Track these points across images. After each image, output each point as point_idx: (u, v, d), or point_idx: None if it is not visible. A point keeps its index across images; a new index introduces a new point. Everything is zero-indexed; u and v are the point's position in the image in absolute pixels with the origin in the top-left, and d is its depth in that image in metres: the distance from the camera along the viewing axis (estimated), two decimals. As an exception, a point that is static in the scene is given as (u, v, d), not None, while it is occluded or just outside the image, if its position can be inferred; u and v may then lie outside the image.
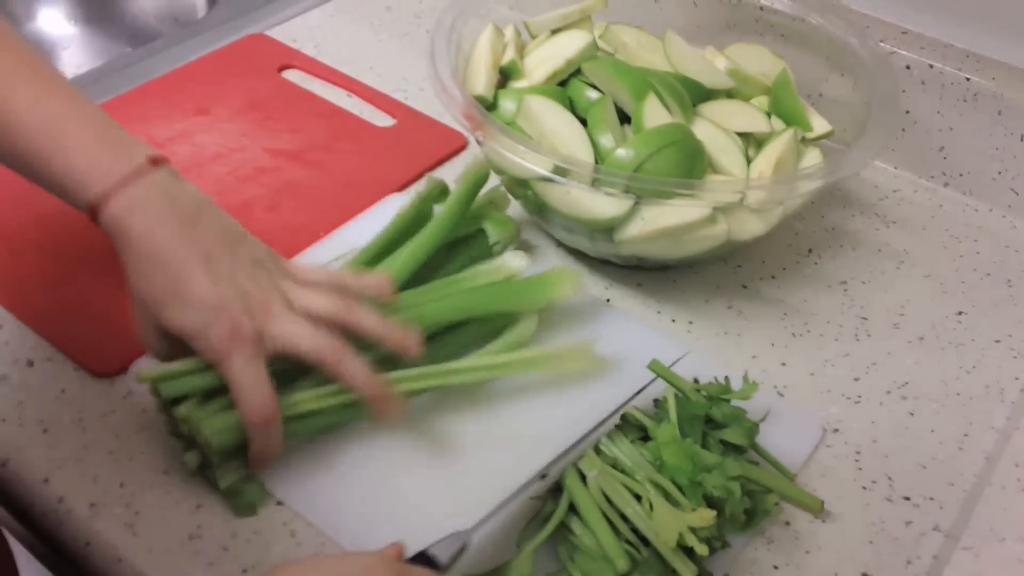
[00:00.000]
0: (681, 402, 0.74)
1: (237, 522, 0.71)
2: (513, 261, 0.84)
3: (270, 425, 0.69)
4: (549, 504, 0.70)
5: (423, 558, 0.63)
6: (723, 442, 0.73)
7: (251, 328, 0.69)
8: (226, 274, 0.71)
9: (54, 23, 1.45)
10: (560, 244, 0.96)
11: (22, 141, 0.70)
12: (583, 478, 0.70)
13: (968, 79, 1.01)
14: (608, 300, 0.91)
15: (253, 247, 0.74)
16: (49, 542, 0.73)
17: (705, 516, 0.66)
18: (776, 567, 0.71)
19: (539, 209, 0.90)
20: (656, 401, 0.76)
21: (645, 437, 0.73)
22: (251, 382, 0.68)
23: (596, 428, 0.74)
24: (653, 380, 0.77)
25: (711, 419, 0.74)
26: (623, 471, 0.70)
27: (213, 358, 0.69)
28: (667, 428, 0.72)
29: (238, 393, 0.68)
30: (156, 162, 0.71)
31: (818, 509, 0.74)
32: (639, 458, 0.71)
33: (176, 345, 0.71)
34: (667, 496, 0.68)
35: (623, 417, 0.76)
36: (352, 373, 0.71)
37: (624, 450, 0.71)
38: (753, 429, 0.74)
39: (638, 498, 0.68)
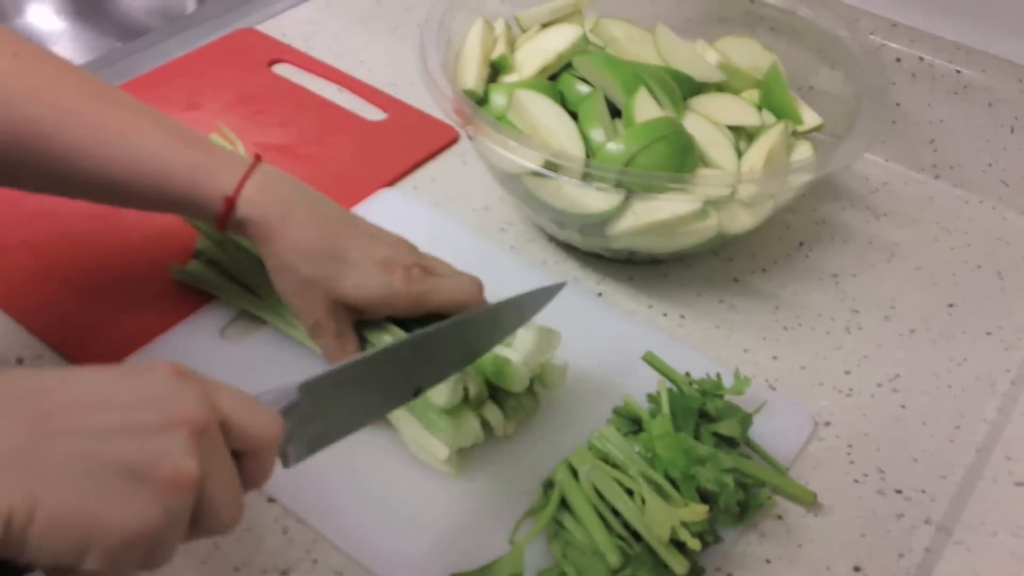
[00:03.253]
0: (674, 396, 0.74)
1: (229, 519, 0.71)
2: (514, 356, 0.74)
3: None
4: (541, 500, 0.70)
5: None
6: (715, 435, 0.73)
7: (419, 273, 0.74)
8: (373, 233, 0.76)
9: (44, 18, 1.44)
10: (551, 238, 0.96)
11: (121, 165, 0.71)
12: (575, 473, 0.70)
13: (959, 71, 1.01)
14: (600, 294, 0.91)
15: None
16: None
17: (697, 511, 0.66)
18: (768, 560, 0.71)
19: (530, 204, 0.89)
20: (649, 395, 0.76)
21: (636, 431, 0.74)
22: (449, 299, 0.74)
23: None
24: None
25: (704, 413, 0.74)
26: (614, 465, 0.70)
27: (406, 313, 0.74)
28: (661, 421, 0.71)
29: (450, 298, 0.74)
30: (258, 157, 0.75)
31: (811, 502, 0.74)
32: (631, 452, 0.70)
33: (345, 318, 0.74)
34: (659, 490, 0.68)
35: (616, 411, 0.76)
36: None
37: (616, 444, 0.71)
38: (747, 420, 0.74)
39: (630, 493, 0.68)
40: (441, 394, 0.70)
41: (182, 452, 0.46)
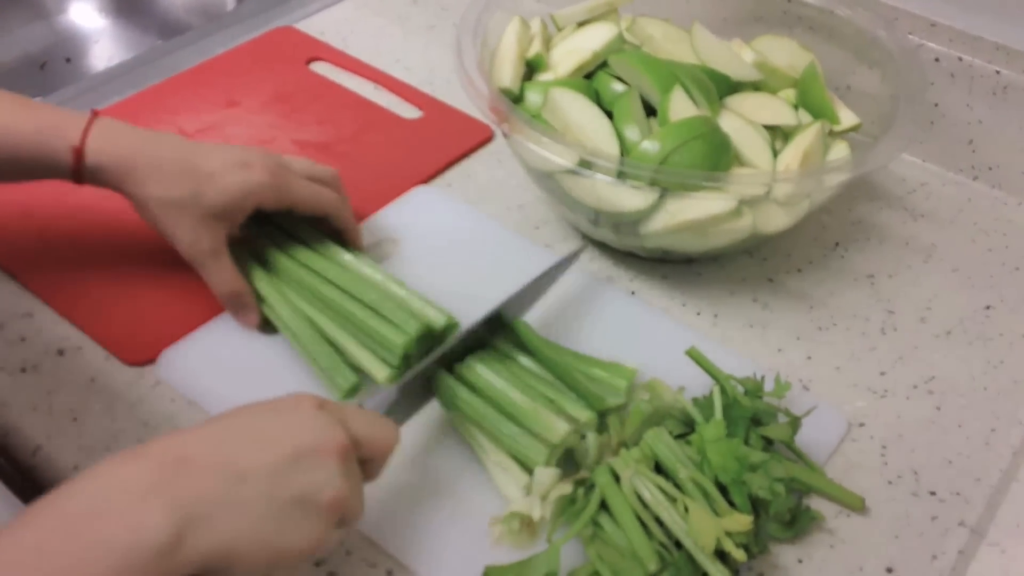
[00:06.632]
0: (727, 401, 0.73)
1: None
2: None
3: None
4: (580, 500, 0.70)
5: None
6: (763, 437, 0.73)
7: (277, 165, 0.81)
8: (227, 146, 0.81)
9: (85, 16, 1.46)
10: (585, 237, 0.96)
11: None
12: (616, 477, 0.69)
13: (998, 72, 1.01)
14: (633, 293, 0.91)
15: None
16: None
17: (742, 521, 0.65)
18: (800, 560, 0.71)
19: (564, 202, 0.90)
20: (695, 400, 0.75)
21: (683, 434, 0.73)
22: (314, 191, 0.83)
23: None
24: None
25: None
26: (659, 468, 0.70)
27: (272, 204, 0.80)
28: (715, 426, 0.71)
29: (311, 192, 0.82)
30: (95, 112, 0.79)
31: (859, 507, 0.74)
32: (682, 455, 0.70)
33: (218, 234, 0.79)
34: (706, 495, 0.67)
35: (671, 414, 0.75)
36: (352, 226, 0.87)
37: (668, 445, 0.71)
38: (796, 423, 0.74)
39: (672, 500, 0.67)
40: (555, 432, 0.71)
41: (336, 477, 0.57)
